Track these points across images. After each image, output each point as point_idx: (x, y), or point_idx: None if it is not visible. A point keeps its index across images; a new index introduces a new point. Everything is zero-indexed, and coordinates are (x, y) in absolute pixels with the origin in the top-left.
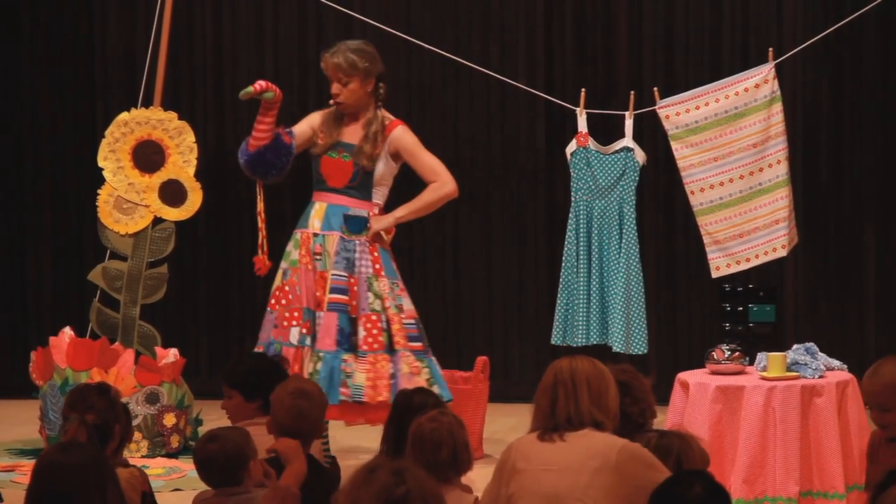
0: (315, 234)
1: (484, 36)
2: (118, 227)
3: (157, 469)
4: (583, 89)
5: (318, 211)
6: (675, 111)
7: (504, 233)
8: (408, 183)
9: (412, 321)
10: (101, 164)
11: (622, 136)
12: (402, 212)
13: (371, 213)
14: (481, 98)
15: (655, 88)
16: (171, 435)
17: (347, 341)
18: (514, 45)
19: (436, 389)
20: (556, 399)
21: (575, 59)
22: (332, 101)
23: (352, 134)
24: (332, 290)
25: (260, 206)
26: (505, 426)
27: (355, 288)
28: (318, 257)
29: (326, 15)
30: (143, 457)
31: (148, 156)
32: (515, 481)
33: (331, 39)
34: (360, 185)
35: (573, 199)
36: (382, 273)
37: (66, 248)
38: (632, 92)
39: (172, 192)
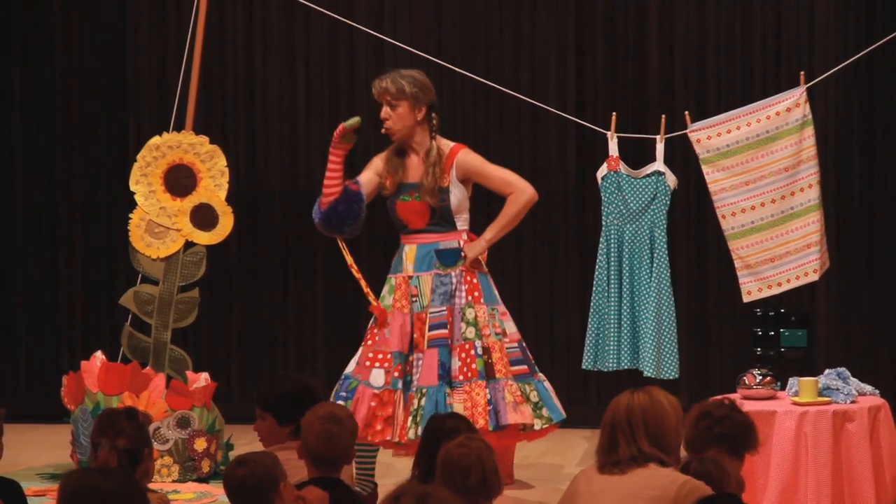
0: (410, 277)
1: (515, 59)
2: (150, 251)
3: (188, 494)
4: (614, 113)
5: (408, 254)
6: (707, 135)
7: (535, 257)
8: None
9: (514, 345)
10: (132, 188)
11: (653, 159)
12: (491, 232)
13: (462, 242)
14: (512, 122)
15: (687, 112)
16: (202, 459)
17: (448, 375)
18: (544, 68)
19: (544, 412)
20: (617, 442)
21: (606, 83)
22: (383, 130)
23: (415, 170)
24: (431, 328)
25: (349, 259)
26: (536, 451)
27: (451, 319)
28: (414, 299)
29: (358, 39)
30: (174, 481)
31: (179, 180)
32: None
33: (362, 63)
34: (441, 219)
35: (604, 223)
36: (481, 300)
37: (98, 272)
38: (663, 116)
39: (204, 216)
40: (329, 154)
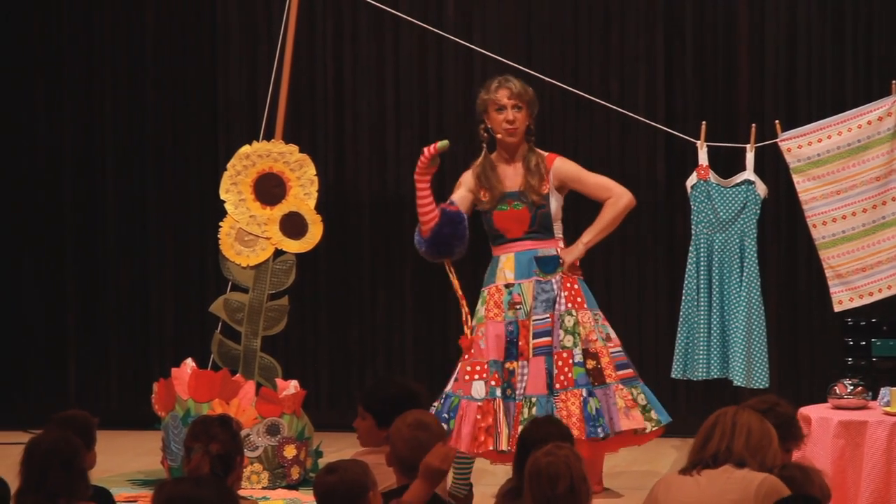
0: (508, 285)
1: (604, 68)
2: (240, 259)
3: (278, 501)
4: (703, 122)
5: (506, 262)
6: (797, 144)
7: (624, 266)
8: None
9: (619, 349)
10: (222, 196)
11: (743, 168)
12: (589, 236)
13: (559, 248)
14: (601, 131)
15: (777, 121)
16: (292, 466)
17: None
18: (634, 77)
19: (653, 414)
20: (711, 437)
21: (695, 92)
22: (500, 133)
23: (512, 180)
24: (536, 335)
25: (455, 283)
26: (625, 460)
27: (553, 327)
28: (518, 306)
29: (447, 47)
30: (263, 488)
31: (269, 188)
32: None
33: (451, 73)
34: (541, 227)
35: (694, 232)
36: (585, 305)
37: (189, 281)
38: (753, 125)
39: (293, 225)
40: (416, 181)
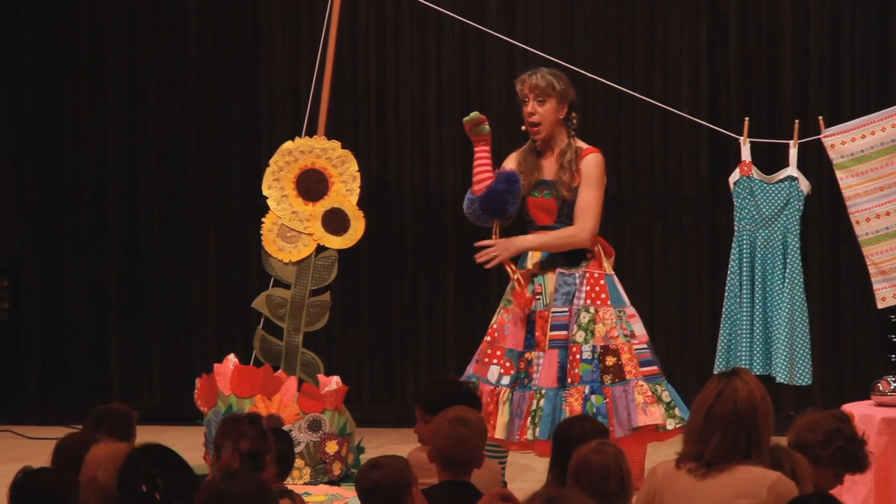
0: (534, 275)
1: (647, 65)
2: (282, 255)
3: (320, 496)
4: (746, 118)
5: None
6: (841, 140)
7: (666, 262)
8: None
9: (644, 346)
10: (265, 192)
11: (786, 165)
12: (530, 241)
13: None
14: (644, 127)
15: (820, 117)
16: (333, 462)
17: (566, 377)
18: (677, 73)
19: (677, 412)
20: (737, 432)
21: (739, 88)
22: (524, 126)
23: (549, 169)
24: (553, 328)
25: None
26: (667, 455)
27: (570, 321)
28: (538, 297)
29: (489, 44)
30: (305, 484)
31: (311, 184)
32: None
33: (493, 68)
34: (568, 217)
35: (736, 228)
36: (608, 302)
37: (231, 277)
38: (796, 121)
39: (335, 221)
40: (474, 149)
